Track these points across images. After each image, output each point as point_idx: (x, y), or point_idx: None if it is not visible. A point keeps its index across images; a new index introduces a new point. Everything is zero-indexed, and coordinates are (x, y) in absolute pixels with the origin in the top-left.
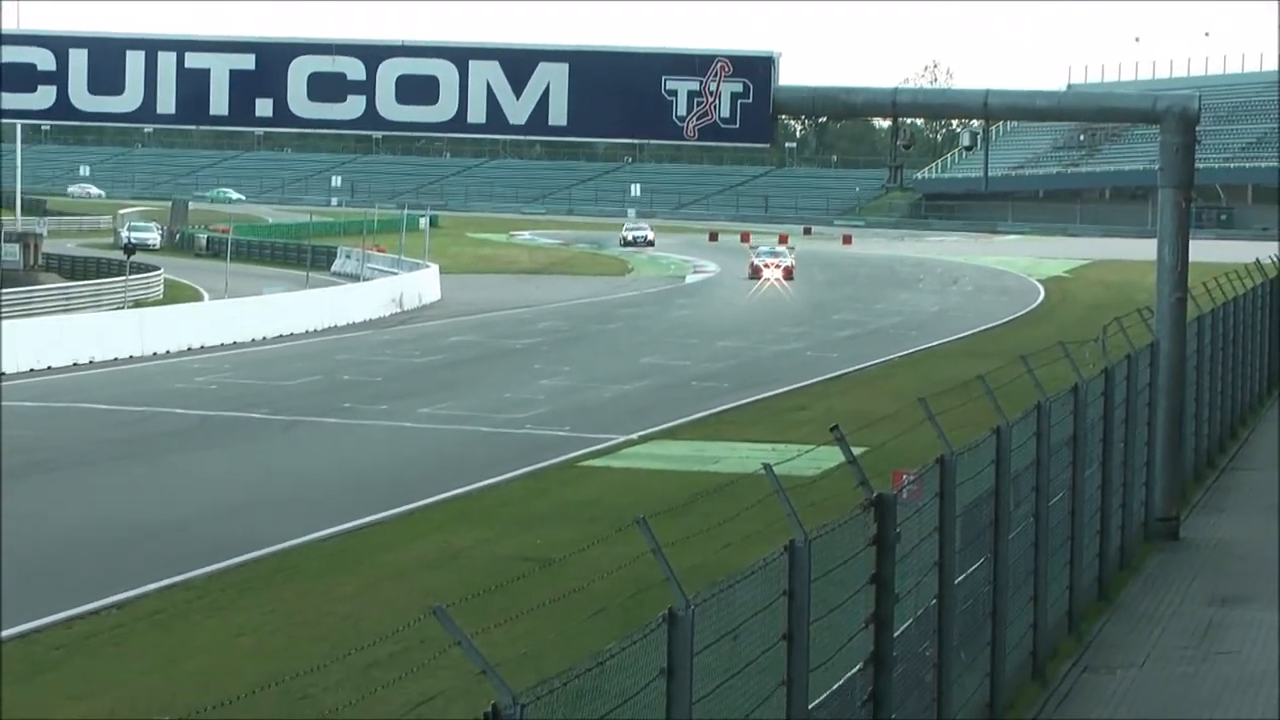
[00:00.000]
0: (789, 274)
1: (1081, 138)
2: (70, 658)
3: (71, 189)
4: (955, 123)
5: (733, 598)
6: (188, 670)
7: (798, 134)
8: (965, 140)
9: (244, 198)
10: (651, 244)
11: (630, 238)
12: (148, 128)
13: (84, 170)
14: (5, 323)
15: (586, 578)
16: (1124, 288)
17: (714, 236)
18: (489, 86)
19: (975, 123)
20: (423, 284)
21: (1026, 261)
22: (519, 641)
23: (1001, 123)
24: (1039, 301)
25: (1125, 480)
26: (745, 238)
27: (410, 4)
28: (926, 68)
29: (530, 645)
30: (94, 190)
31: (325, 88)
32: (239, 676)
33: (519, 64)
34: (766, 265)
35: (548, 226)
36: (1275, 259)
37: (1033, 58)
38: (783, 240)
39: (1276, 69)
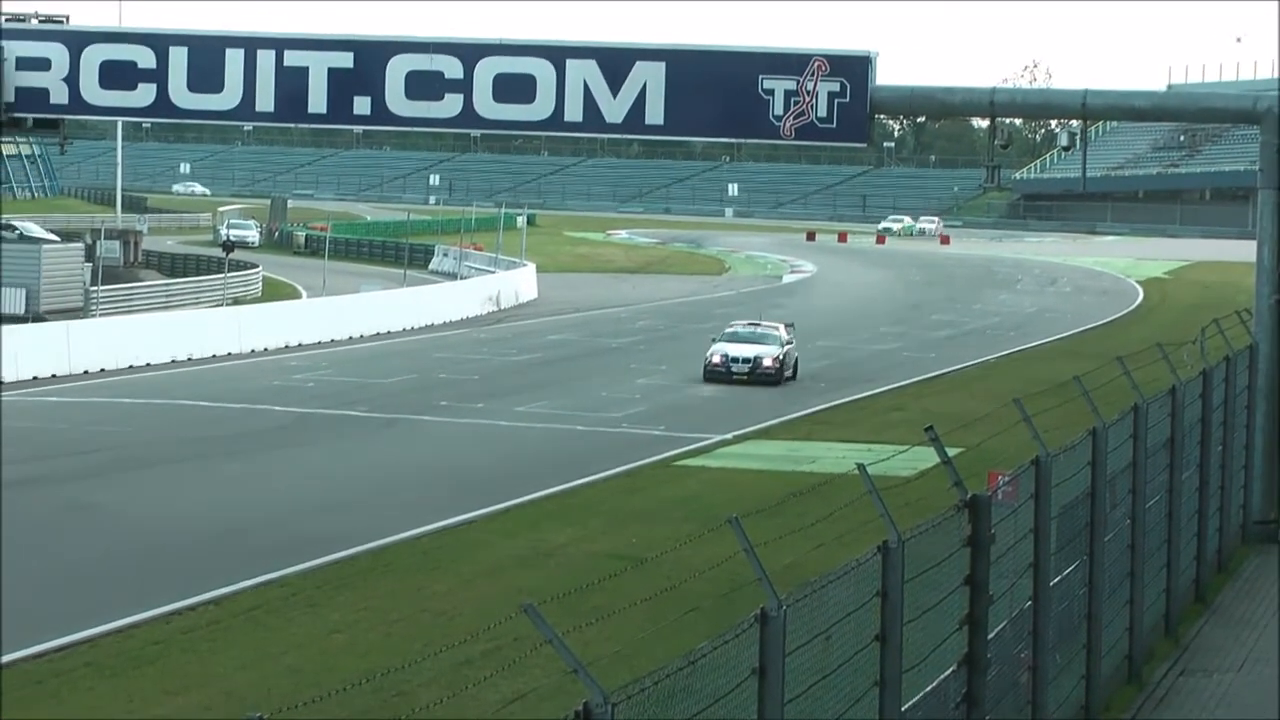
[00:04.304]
0: None
1: (1181, 138)
2: (167, 653)
3: (176, 188)
4: (1054, 123)
5: (825, 598)
6: (283, 666)
7: (895, 133)
8: (1063, 140)
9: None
10: None
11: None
12: (247, 125)
13: (184, 168)
14: (104, 319)
15: (679, 576)
16: (1223, 289)
17: (811, 236)
18: (586, 85)
19: (1074, 123)
20: (520, 282)
21: (1125, 262)
22: (611, 640)
23: (1100, 123)
24: (1137, 303)
25: (1223, 483)
26: (843, 238)
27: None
28: (1026, 67)
29: (622, 644)
30: (199, 189)
31: (423, 86)
32: (333, 673)
33: (616, 63)
34: None
35: (644, 225)
36: None
37: (1133, 58)
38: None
39: None
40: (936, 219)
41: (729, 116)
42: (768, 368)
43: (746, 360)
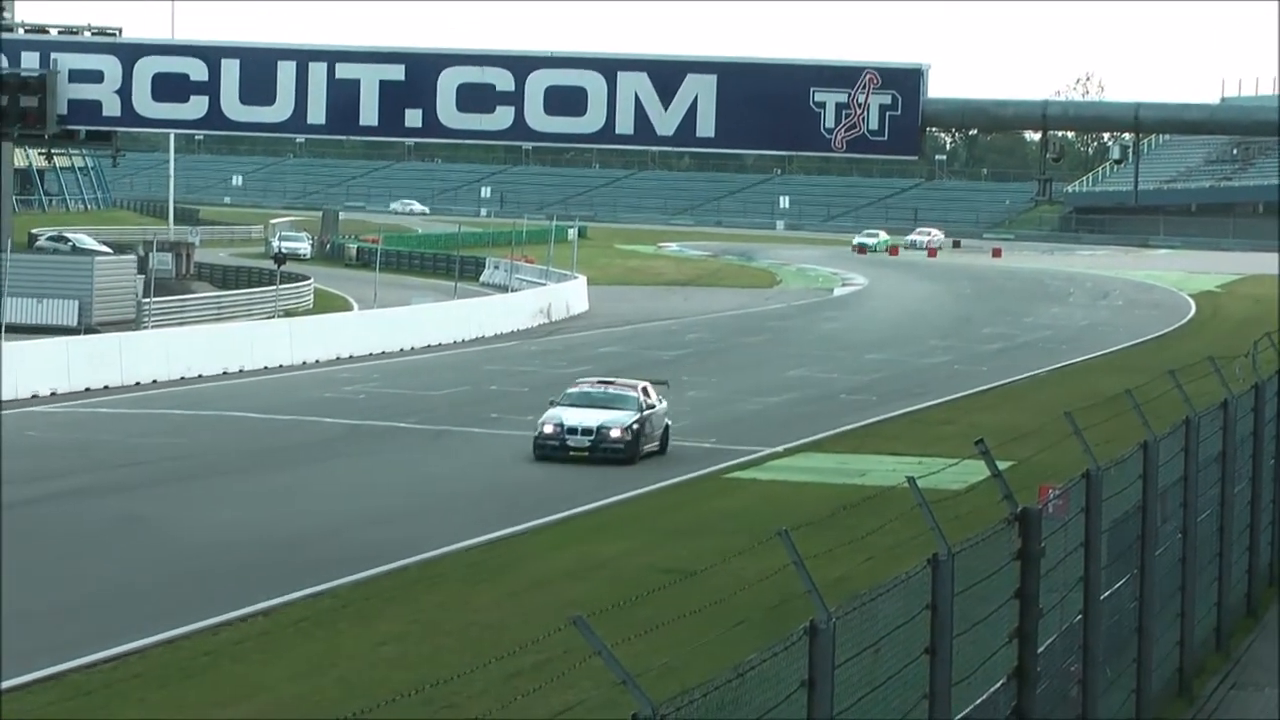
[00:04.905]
0: None
1: (1235, 151)
2: (217, 664)
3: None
4: (1106, 136)
5: (875, 611)
6: (332, 677)
7: (947, 146)
8: (1115, 153)
9: None
10: None
11: None
12: (298, 138)
13: (236, 180)
14: (156, 331)
15: (729, 589)
16: (1276, 303)
17: (862, 250)
18: (637, 98)
19: (1126, 136)
20: (570, 295)
21: (1178, 276)
22: (660, 652)
23: (1153, 136)
24: (1189, 316)
25: (1275, 496)
26: (894, 251)
27: (558, 11)
28: (1078, 80)
29: (671, 656)
30: (418, 207)
31: (474, 98)
32: (383, 684)
33: (667, 75)
34: None
35: (695, 238)
36: None
37: (1186, 70)
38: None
39: None
40: (934, 230)
41: (780, 129)
42: (615, 440)
43: (588, 431)
